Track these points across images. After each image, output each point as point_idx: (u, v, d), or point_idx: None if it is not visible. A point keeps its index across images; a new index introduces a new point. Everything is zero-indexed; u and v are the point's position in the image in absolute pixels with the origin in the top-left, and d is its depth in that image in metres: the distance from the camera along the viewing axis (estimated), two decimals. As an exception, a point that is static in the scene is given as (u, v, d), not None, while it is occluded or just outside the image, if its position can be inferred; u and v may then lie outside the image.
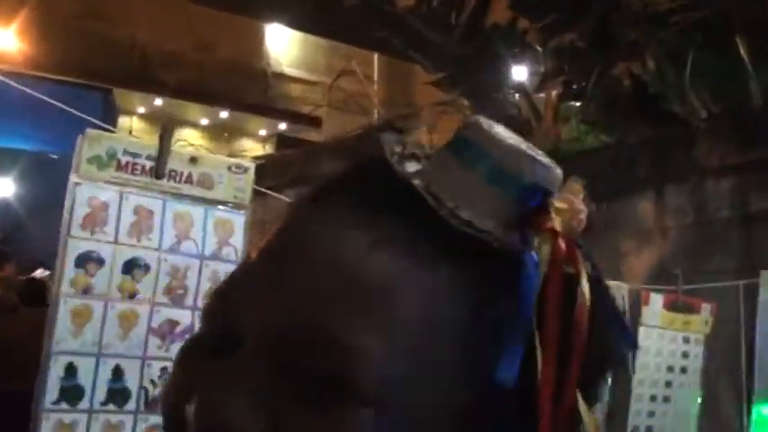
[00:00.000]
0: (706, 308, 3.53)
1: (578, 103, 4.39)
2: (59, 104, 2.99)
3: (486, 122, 0.43)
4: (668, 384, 3.49)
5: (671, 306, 3.45)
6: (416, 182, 0.40)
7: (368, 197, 0.41)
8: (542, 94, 4.35)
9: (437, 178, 0.41)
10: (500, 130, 0.43)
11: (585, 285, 0.41)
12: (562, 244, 0.41)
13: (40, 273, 5.48)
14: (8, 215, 5.44)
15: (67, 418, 1.91)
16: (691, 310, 3.52)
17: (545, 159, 0.43)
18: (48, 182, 5.12)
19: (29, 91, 3.56)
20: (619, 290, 3.34)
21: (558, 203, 0.42)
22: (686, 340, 3.53)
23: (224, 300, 0.43)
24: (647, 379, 3.43)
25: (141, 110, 4.65)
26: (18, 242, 4.68)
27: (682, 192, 4.46)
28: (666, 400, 3.49)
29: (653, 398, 3.47)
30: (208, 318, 0.44)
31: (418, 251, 0.39)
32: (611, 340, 0.44)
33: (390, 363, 0.37)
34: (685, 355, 3.54)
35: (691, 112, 4.08)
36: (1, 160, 5.31)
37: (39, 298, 4.61)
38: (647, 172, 4.55)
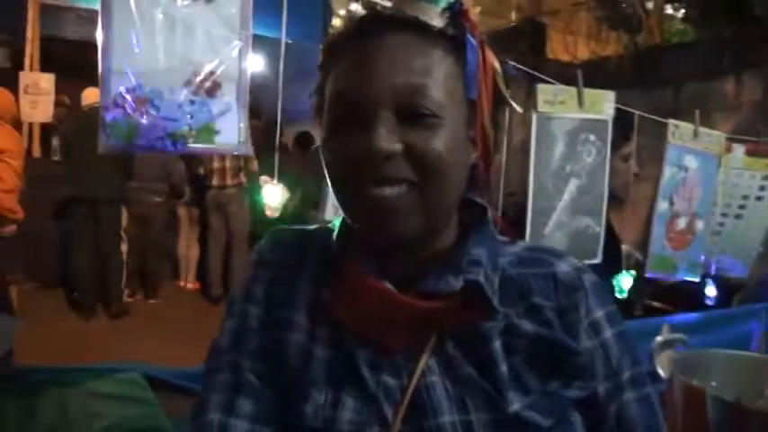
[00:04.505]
0: (789, 153, 3.81)
1: (680, 8, 5.23)
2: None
3: None
4: (742, 207, 3.74)
5: (752, 153, 3.71)
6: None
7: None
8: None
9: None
10: None
11: (489, 50, 0.72)
12: (476, 22, 0.69)
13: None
14: (258, 82, 6.60)
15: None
16: (773, 155, 3.86)
17: None
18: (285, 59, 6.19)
19: None
20: (718, 138, 3.47)
21: (468, 3, 0.67)
22: (765, 177, 3.74)
23: None
24: (726, 193, 3.63)
25: (342, 11, 5.64)
26: (263, 101, 5.55)
27: (755, 76, 5.27)
28: (738, 217, 3.76)
29: (724, 215, 3.72)
30: None
31: (436, 56, 0.68)
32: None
33: (444, 96, 0.67)
34: (762, 188, 3.73)
35: (766, 13, 4.73)
36: (256, 43, 6.50)
37: (308, 144, 5.83)
38: (730, 60, 5.32)
